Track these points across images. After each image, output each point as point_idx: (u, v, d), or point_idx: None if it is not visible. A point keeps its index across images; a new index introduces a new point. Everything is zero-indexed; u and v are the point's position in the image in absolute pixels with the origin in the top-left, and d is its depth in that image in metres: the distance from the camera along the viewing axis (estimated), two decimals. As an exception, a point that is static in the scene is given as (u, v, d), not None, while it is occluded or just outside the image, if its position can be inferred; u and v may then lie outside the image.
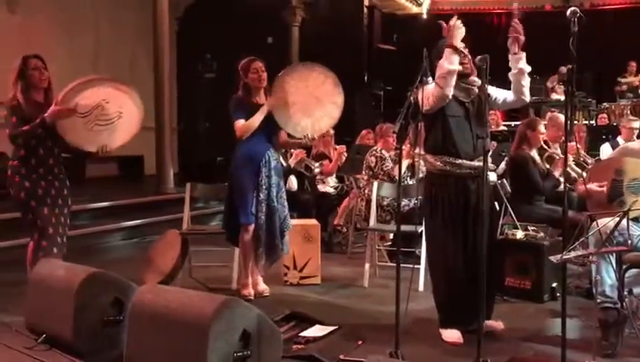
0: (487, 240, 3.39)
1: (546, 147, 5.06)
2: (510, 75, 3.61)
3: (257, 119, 4.26)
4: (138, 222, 7.07)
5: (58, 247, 3.90)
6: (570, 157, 4.91)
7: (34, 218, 3.87)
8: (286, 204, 4.52)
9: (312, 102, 4.33)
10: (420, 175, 5.56)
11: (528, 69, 3.56)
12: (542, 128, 5.00)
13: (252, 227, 4.34)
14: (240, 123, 4.28)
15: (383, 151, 5.73)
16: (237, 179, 4.36)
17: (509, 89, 3.65)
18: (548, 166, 4.95)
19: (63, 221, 3.97)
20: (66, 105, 3.81)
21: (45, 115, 3.76)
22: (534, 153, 4.94)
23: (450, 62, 3.41)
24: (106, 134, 3.97)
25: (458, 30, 3.45)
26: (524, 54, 3.55)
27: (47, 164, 3.92)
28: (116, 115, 3.99)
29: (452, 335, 3.50)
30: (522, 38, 3.52)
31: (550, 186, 4.84)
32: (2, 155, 7.00)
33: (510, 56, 3.56)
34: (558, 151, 5.04)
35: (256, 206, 4.32)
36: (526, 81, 3.58)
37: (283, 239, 4.49)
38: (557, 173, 4.83)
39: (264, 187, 4.33)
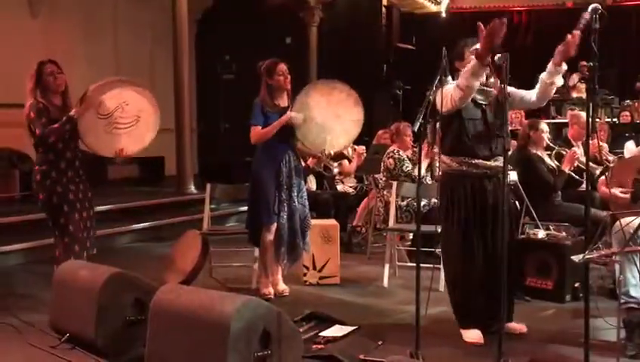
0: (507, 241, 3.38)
1: (551, 144, 5.13)
2: (541, 80, 3.46)
3: (274, 128, 4.28)
4: (159, 222, 7.14)
5: (87, 251, 3.97)
6: (580, 151, 4.93)
7: (65, 223, 3.91)
8: (307, 203, 4.55)
9: (332, 119, 4.37)
10: (437, 173, 5.56)
11: (560, 82, 3.49)
12: (544, 127, 5.07)
13: (274, 227, 4.36)
14: (256, 129, 4.31)
15: (400, 152, 5.69)
16: (259, 180, 4.38)
17: (529, 88, 3.61)
18: (557, 163, 4.99)
19: (89, 224, 4.03)
20: (90, 102, 3.87)
21: (71, 112, 3.83)
22: (541, 152, 4.98)
23: (475, 76, 3.24)
24: (123, 138, 4.03)
25: (498, 34, 3.06)
26: (565, 68, 3.40)
27: (74, 167, 3.98)
28: (134, 119, 4.04)
29: (472, 335, 3.48)
30: (573, 53, 3.23)
31: (562, 182, 4.86)
32: (26, 158, 7.11)
33: (551, 65, 3.36)
34: (581, 149, 5.02)
35: (278, 206, 4.34)
36: (553, 92, 3.52)
37: (304, 238, 4.52)
38: (567, 169, 4.88)
39: (285, 187, 4.35)
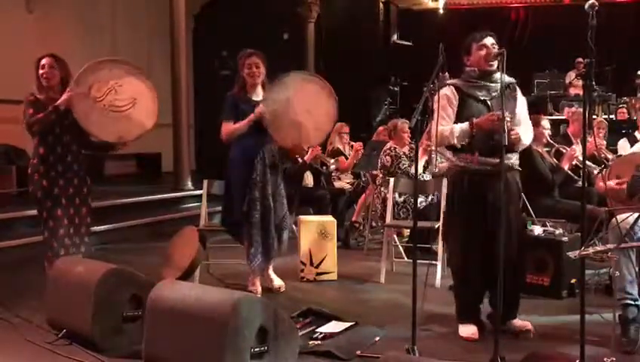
0: (515, 239, 3.41)
1: (552, 142, 5.14)
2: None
3: (244, 126, 4.16)
4: (156, 218, 7.13)
5: (66, 249, 3.93)
6: (578, 150, 4.93)
7: (47, 217, 3.91)
8: (285, 202, 4.43)
9: (304, 114, 4.17)
10: (435, 170, 5.56)
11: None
12: (546, 124, 5.08)
13: (245, 226, 4.24)
14: (227, 125, 4.21)
15: (397, 149, 5.69)
16: (231, 177, 4.31)
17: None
18: (556, 161, 5.00)
19: (78, 221, 4.00)
20: (78, 88, 3.83)
21: (58, 102, 3.82)
22: (542, 149, 4.98)
23: (459, 139, 3.40)
24: (122, 123, 3.95)
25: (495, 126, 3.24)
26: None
27: (65, 162, 3.96)
28: (130, 102, 3.96)
29: (467, 330, 3.49)
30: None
31: (560, 180, 4.87)
32: (23, 153, 7.09)
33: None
34: (580, 146, 5.03)
35: (249, 204, 4.20)
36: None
37: (280, 238, 4.39)
38: (565, 167, 4.89)
39: (260, 185, 4.22)
